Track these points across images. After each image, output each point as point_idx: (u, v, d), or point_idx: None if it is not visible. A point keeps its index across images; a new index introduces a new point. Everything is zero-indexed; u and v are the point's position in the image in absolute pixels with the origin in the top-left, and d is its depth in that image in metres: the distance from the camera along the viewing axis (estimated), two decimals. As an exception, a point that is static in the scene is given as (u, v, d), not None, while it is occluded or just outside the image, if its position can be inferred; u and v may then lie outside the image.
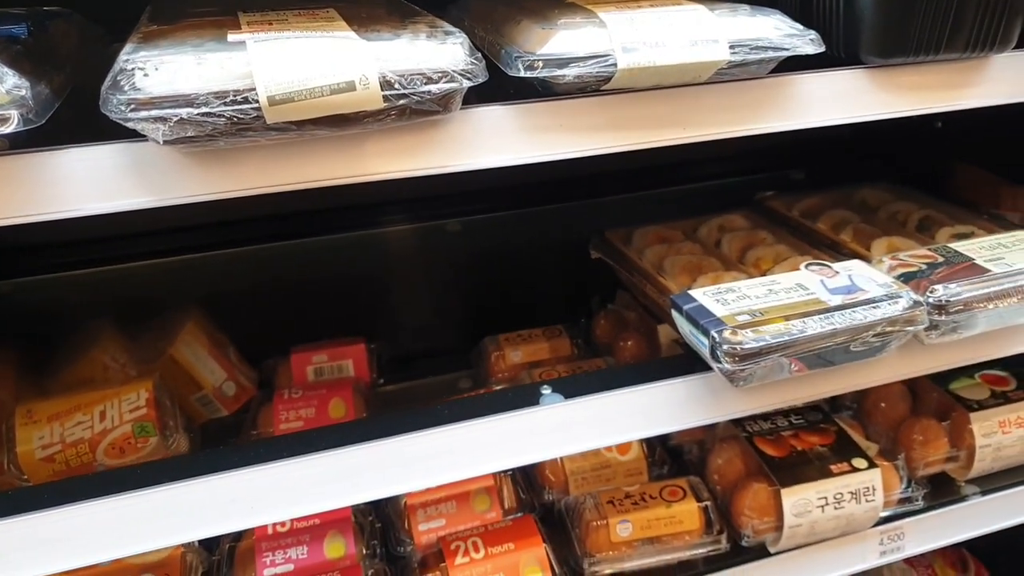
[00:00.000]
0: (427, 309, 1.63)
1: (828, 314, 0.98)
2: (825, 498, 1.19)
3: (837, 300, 1.01)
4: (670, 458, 1.35)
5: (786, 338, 0.95)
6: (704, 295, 1.05)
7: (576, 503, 1.22)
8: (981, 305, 1.03)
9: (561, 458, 1.29)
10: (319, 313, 1.55)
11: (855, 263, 1.11)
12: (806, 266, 1.11)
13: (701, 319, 0.99)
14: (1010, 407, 1.33)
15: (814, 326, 0.96)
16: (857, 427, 1.36)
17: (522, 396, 1.01)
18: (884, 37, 0.95)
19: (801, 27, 0.90)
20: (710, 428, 1.36)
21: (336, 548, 1.14)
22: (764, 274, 1.22)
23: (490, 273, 1.65)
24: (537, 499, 1.27)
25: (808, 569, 1.26)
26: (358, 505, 1.23)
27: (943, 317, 1.02)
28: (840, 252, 1.23)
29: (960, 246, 1.13)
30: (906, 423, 1.36)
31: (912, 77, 0.99)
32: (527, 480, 1.31)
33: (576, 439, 1.01)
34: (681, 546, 1.18)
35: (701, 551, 1.19)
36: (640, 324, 1.51)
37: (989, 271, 1.06)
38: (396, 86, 0.74)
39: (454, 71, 0.76)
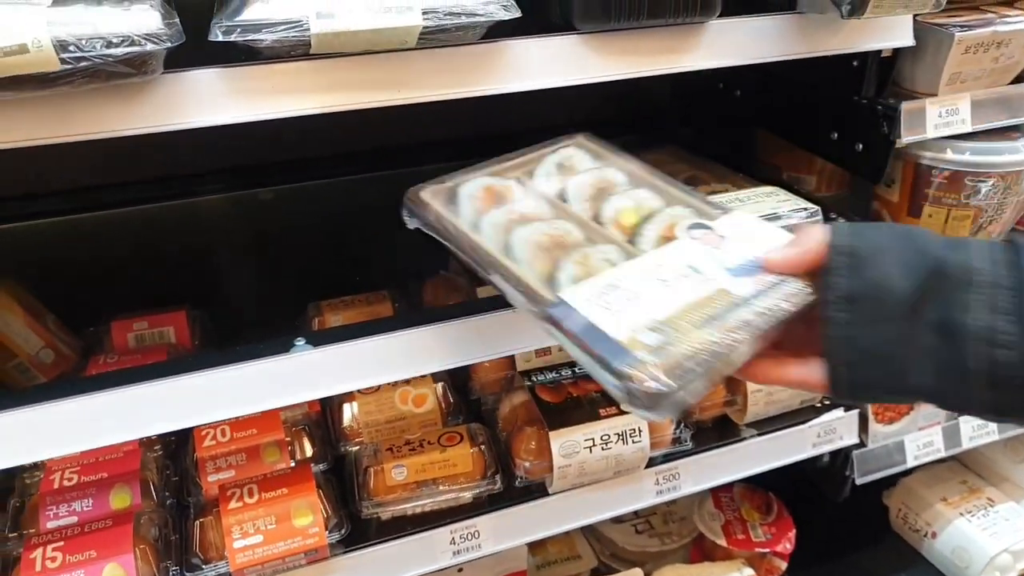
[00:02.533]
0: (256, 279, 1.69)
1: (745, 306, 0.82)
2: (592, 439, 1.28)
3: (747, 288, 0.84)
4: (467, 409, 1.43)
5: (714, 362, 0.77)
6: (586, 301, 0.82)
7: (360, 452, 1.29)
8: (701, 252, 1.11)
9: (355, 411, 1.36)
10: (146, 284, 1.60)
11: (735, 216, 0.97)
12: (689, 231, 0.96)
13: (597, 347, 0.77)
14: (781, 354, 1.43)
15: (739, 335, 0.79)
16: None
17: (276, 346, 1.08)
18: (588, 5, 1.03)
19: None
20: (508, 380, 1.45)
21: (122, 499, 1.20)
22: (632, 237, 0.99)
23: (322, 240, 1.71)
24: (332, 451, 1.35)
25: (586, 506, 1.35)
26: (154, 458, 1.30)
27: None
28: None
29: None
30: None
31: (626, 42, 1.08)
32: (327, 434, 1.38)
33: (322, 384, 1.08)
34: (457, 488, 1.26)
35: (476, 491, 1.27)
36: (469, 289, 1.58)
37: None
38: (73, 48, 0.79)
39: (137, 35, 0.82)
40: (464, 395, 1.46)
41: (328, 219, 1.69)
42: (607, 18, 1.04)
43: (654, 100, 1.92)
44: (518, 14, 0.97)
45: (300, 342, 1.09)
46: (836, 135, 1.45)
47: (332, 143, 1.69)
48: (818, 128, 1.49)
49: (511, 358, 1.44)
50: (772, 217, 1.16)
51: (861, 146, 1.40)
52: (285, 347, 1.08)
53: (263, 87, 0.94)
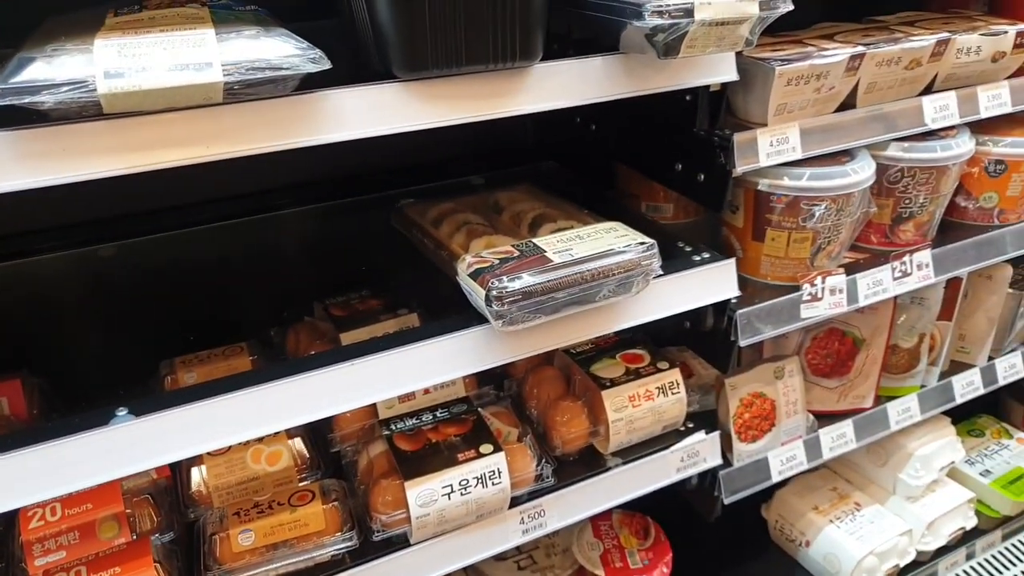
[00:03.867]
0: (104, 340, 1.60)
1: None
2: (450, 486, 1.26)
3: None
4: (326, 463, 1.39)
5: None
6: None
7: (205, 519, 1.23)
8: (539, 294, 1.12)
9: (204, 475, 1.30)
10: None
11: None
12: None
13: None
14: (639, 382, 1.45)
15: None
16: (505, 413, 1.45)
17: (94, 419, 1.02)
18: (403, 52, 1.02)
19: (307, 46, 0.95)
20: (368, 430, 1.41)
21: (-64, 595, 1.10)
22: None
23: (173, 295, 1.64)
24: (181, 519, 1.28)
25: (451, 553, 1.32)
26: (-23, 548, 1.20)
27: (503, 307, 1.11)
28: (447, 252, 1.30)
29: (542, 240, 1.23)
30: (551, 405, 1.46)
31: (448, 88, 1.07)
32: (177, 500, 1.31)
33: (148, 455, 1.03)
34: (311, 548, 1.22)
35: (331, 550, 1.23)
36: (333, 335, 1.54)
37: (551, 262, 1.15)
38: None
39: None
40: (325, 447, 1.41)
41: (179, 272, 1.62)
42: (425, 65, 1.04)
43: (516, 134, 1.94)
44: (327, 66, 0.95)
45: (122, 412, 1.03)
46: (680, 166, 1.50)
47: (175, 193, 1.62)
48: (664, 160, 1.52)
49: (373, 406, 1.41)
50: (606, 253, 1.18)
51: (702, 176, 1.44)
52: (104, 419, 1.02)
53: (52, 150, 0.89)
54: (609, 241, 1.22)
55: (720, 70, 1.27)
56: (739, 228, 1.53)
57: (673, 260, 1.40)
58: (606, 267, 1.17)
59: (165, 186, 1.59)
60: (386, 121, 1.05)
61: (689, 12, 1.07)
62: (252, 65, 0.91)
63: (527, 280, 1.12)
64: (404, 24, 1.00)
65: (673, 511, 1.78)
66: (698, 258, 1.41)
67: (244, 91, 0.94)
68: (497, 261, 1.17)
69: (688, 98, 1.38)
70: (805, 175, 1.44)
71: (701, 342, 1.56)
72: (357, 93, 1.03)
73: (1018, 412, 2.25)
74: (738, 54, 1.33)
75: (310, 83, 0.98)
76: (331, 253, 1.76)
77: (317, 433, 1.42)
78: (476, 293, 1.14)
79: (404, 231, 1.44)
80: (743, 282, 1.56)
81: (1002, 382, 1.93)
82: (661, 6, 1.06)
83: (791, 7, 1.16)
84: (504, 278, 1.12)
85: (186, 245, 1.63)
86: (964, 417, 2.20)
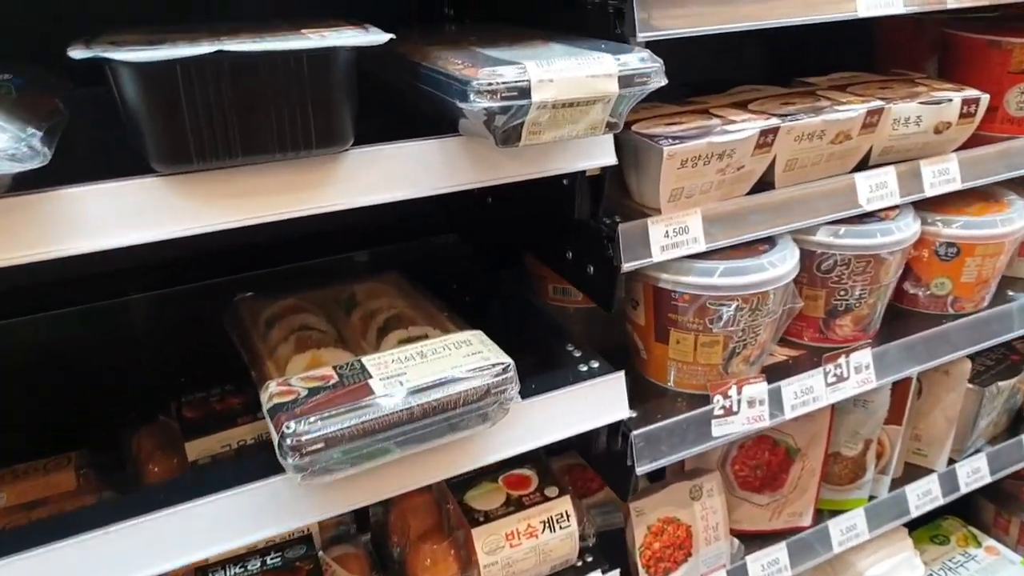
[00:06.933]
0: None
1: None
2: (261, 662, 1.02)
3: None
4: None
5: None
6: None
7: None
8: (349, 440, 0.89)
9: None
10: None
11: None
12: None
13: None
14: (520, 515, 1.22)
15: None
16: (356, 557, 1.21)
17: None
18: (158, 141, 0.80)
19: (29, 134, 0.74)
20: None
21: None
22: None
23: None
24: None
25: None
26: None
27: (301, 460, 0.88)
28: (258, 373, 1.07)
29: (375, 359, 1.00)
30: (414, 545, 1.22)
31: (228, 184, 0.86)
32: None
33: None
34: None
35: None
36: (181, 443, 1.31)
37: (372, 394, 0.93)
38: None
39: None
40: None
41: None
42: (187, 157, 0.82)
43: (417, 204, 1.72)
44: (43, 162, 0.74)
45: None
46: (570, 254, 1.28)
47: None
48: (556, 246, 1.31)
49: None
50: (445, 381, 0.95)
51: (591, 268, 1.23)
52: None
53: None
54: (455, 361, 0.99)
55: (593, 153, 1.06)
56: (641, 326, 1.31)
57: (555, 371, 1.18)
58: (444, 400, 0.94)
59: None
60: (141, 227, 0.83)
61: (525, 92, 0.86)
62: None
63: (333, 423, 0.89)
64: (154, 105, 0.79)
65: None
66: (585, 369, 1.19)
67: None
68: (305, 392, 0.94)
69: (565, 182, 1.17)
70: (716, 270, 1.22)
71: (599, 460, 1.33)
72: (101, 192, 0.81)
73: (989, 511, 2.01)
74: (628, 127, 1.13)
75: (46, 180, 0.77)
76: (190, 341, 1.53)
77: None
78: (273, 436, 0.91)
79: (231, 335, 1.21)
80: (648, 390, 1.34)
81: (964, 489, 1.70)
82: (491, 84, 0.85)
83: (664, 82, 0.95)
84: (305, 420, 0.89)
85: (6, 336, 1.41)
86: (927, 519, 1.95)
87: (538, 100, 0.87)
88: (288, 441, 0.87)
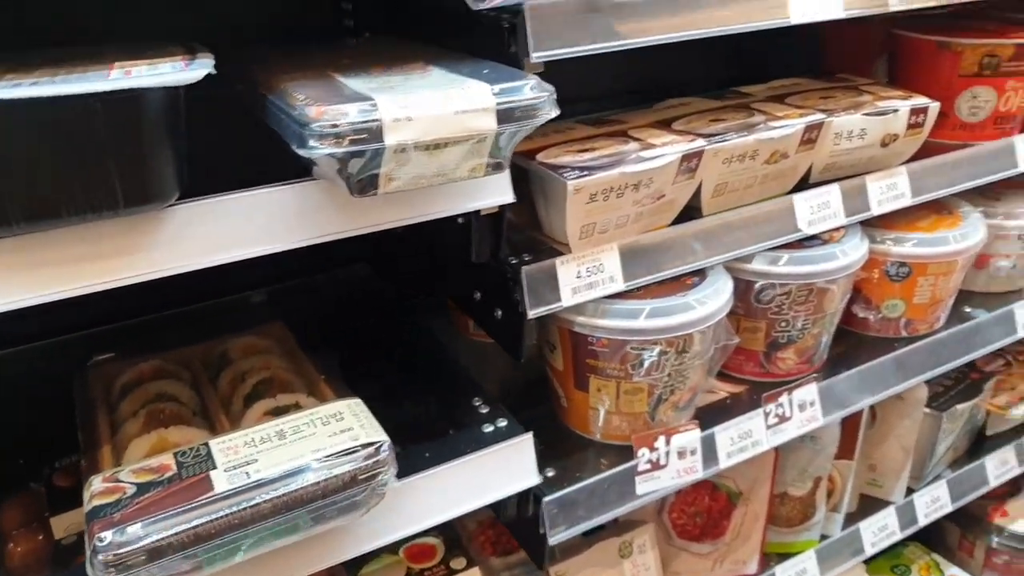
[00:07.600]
0: None
1: None
2: None
3: None
4: None
5: None
6: None
7: None
8: (179, 549, 0.75)
9: None
10: None
11: None
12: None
13: None
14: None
15: None
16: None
17: None
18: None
19: None
20: None
21: None
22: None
23: None
24: None
25: None
26: None
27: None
28: (88, 460, 0.91)
29: (223, 441, 0.86)
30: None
31: (13, 254, 0.71)
32: None
33: None
34: None
35: None
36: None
37: (211, 490, 0.79)
38: None
39: None
40: None
41: None
42: (-46, 226, 0.67)
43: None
44: None
45: None
46: (479, 295, 1.14)
47: None
48: (465, 285, 1.17)
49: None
50: (298, 471, 0.81)
51: (499, 312, 1.09)
52: None
53: None
54: (318, 443, 0.85)
55: (484, 191, 0.92)
56: (560, 372, 1.18)
57: (455, 434, 1.04)
58: (297, 494, 0.80)
59: None
60: None
61: (376, 134, 0.72)
62: None
63: (157, 530, 0.74)
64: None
65: None
66: (491, 430, 1.05)
67: None
68: (134, 489, 0.79)
69: (460, 220, 1.02)
70: (637, 312, 1.08)
71: (511, 524, 1.20)
72: None
73: (953, 534, 1.91)
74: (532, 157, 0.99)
75: None
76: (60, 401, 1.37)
77: None
78: (90, 546, 0.77)
79: (76, 410, 1.05)
80: (569, 441, 1.21)
81: (923, 521, 1.59)
82: (336, 126, 0.71)
83: (555, 112, 0.81)
84: (122, 529, 0.74)
85: None
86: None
87: (393, 143, 0.72)
88: (100, 556, 0.73)
